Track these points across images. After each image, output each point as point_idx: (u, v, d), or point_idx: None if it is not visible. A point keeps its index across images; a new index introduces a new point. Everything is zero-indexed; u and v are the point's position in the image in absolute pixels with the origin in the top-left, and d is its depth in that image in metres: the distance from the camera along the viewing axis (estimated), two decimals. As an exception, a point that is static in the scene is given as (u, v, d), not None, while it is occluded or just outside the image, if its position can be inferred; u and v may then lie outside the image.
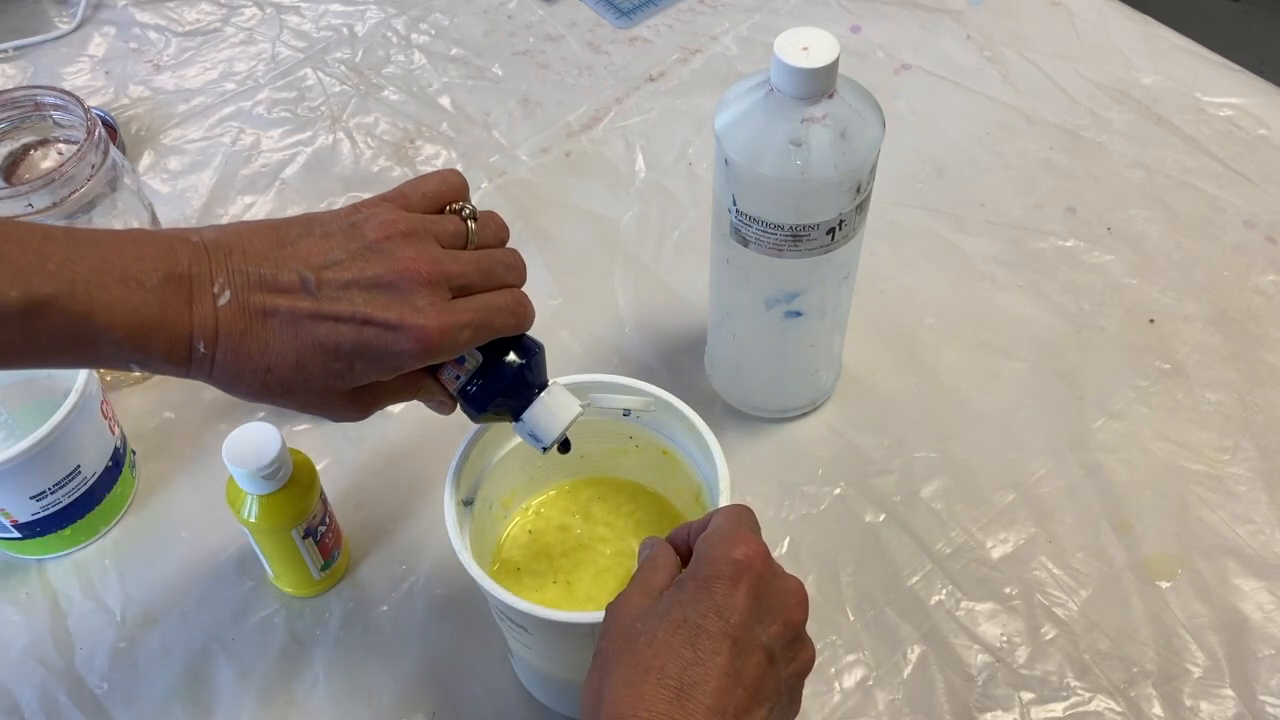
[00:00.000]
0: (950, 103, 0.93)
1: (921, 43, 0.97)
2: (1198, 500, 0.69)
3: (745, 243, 0.61)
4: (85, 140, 0.67)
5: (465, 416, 0.54)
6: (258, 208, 0.86)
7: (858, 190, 0.59)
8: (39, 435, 0.60)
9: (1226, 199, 0.85)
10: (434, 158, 0.90)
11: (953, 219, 0.85)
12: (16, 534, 0.65)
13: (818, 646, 0.63)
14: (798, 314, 0.65)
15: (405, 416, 0.73)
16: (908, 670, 0.63)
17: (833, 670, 0.63)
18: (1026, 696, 0.62)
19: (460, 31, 0.99)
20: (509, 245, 0.55)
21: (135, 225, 0.73)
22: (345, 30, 1.00)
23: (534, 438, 0.53)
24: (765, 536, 0.46)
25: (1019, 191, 0.86)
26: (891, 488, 0.70)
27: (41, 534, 0.66)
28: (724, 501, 0.54)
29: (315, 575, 0.65)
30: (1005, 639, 0.64)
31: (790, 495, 0.70)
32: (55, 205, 0.67)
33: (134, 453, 0.71)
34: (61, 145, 0.73)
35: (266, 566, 0.65)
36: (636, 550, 0.60)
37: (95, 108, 0.90)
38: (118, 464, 0.68)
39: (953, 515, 0.69)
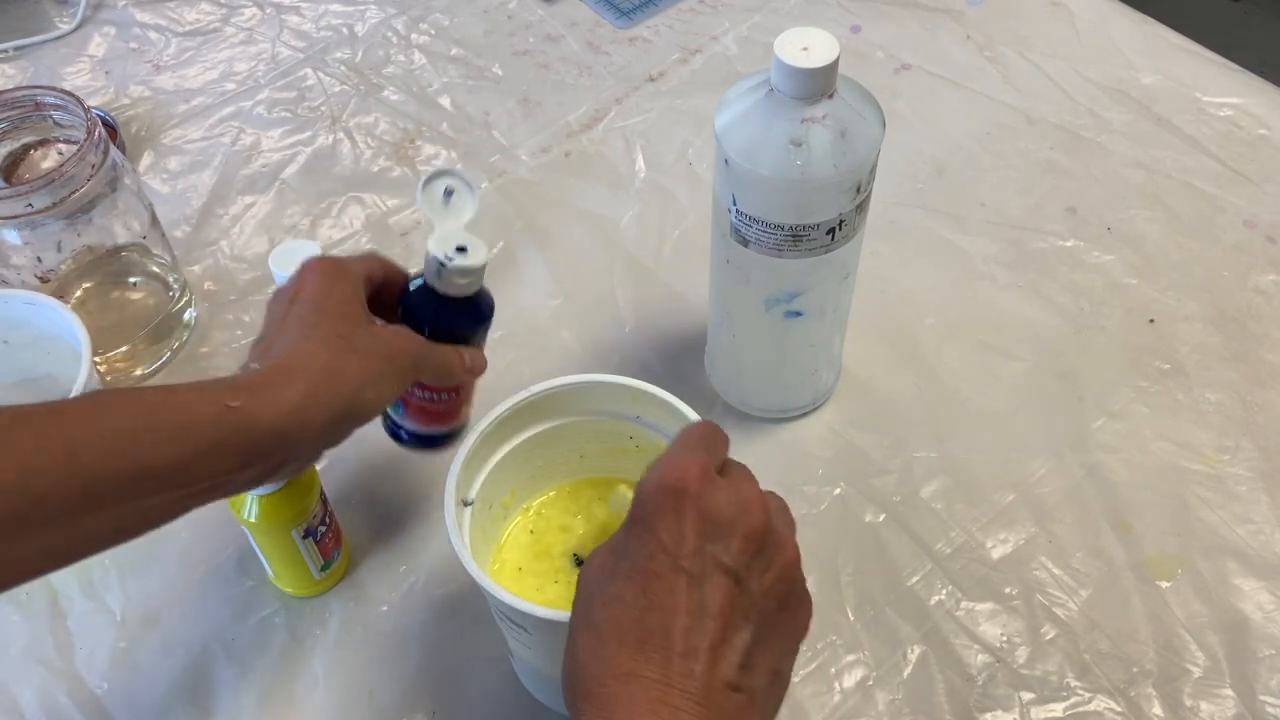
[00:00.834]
0: (950, 103, 0.93)
1: (921, 43, 0.97)
2: (1198, 500, 0.69)
3: (745, 243, 0.61)
4: (85, 140, 0.67)
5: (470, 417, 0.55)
6: (258, 208, 0.86)
7: (858, 190, 0.59)
8: (39, 435, 0.60)
9: (1226, 199, 0.85)
10: (434, 158, 0.90)
11: (953, 219, 0.85)
12: (16, 534, 0.65)
13: (818, 646, 0.64)
14: (798, 314, 0.65)
15: (405, 416, 0.73)
16: (908, 670, 0.63)
17: (833, 670, 0.63)
18: (1026, 696, 0.62)
19: (460, 31, 0.99)
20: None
21: (135, 225, 0.73)
22: (345, 30, 1.00)
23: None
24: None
25: (1019, 191, 0.86)
26: (891, 488, 0.70)
27: (41, 534, 0.65)
28: None
29: (315, 575, 0.65)
30: (1005, 639, 0.64)
31: (790, 495, 0.69)
32: (55, 205, 0.67)
33: (134, 453, 0.71)
34: (61, 145, 0.73)
35: (266, 566, 0.65)
36: None
37: (95, 108, 0.90)
38: (118, 464, 0.68)
39: (953, 515, 0.69)
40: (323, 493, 0.63)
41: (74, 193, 0.67)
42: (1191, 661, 0.63)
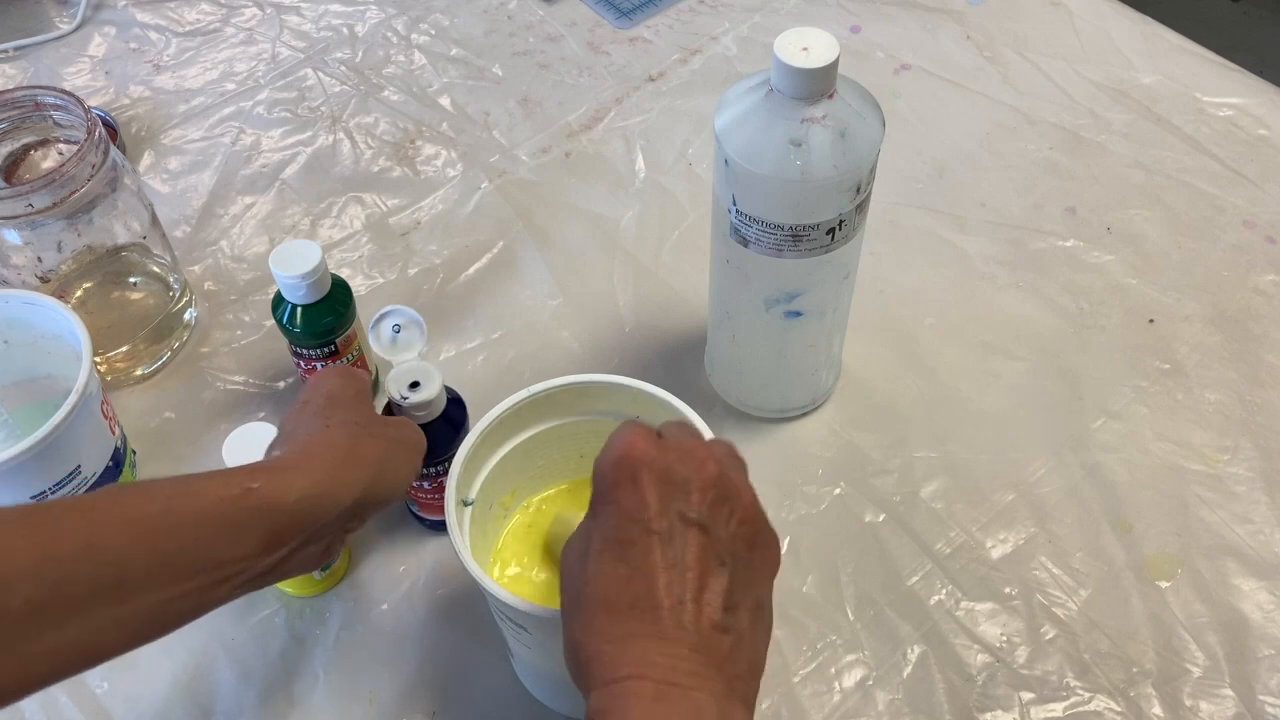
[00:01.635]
0: (950, 103, 0.93)
1: (921, 43, 0.97)
2: (1198, 500, 0.69)
3: (745, 243, 0.61)
4: (85, 140, 0.67)
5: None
6: (258, 208, 0.86)
7: (858, 190, 0.59)
8: (39, 435, 0.60)
9: (1226, 199, 0.85)
10: (434, 158, 0.90)
11: (953, 219, 0.85)
12: (17, 534, 0.65)
13: (818, 646, 0.64)
14: (798, 314, 0.65)
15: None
16: (908, 670, 0.63)
17: (833, 670, 0.63)
18: (1026, 696, 0.62)
19: (460, 31, 1.00)
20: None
21: (135, 225, 0.73)
22: (345, 30, 1.00)
23: None
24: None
25: (1019, 191, 0.86)
26: (891, 488, 0.70)
27: (42, 534, 0.65)
28: None
29: (315, 575, 0.65)
30: (1005, 639, 0.64)
31: (790, 495, 0.70)
32: (55, 205, 0.67)
33: (134, 453, 0.71)
34: (62, 145, 0.73)
35: (267, 566, 0.65)
36: None
37: (95, 108, 0.90)
38: (118, 464, 0.68)
39: (953, 515, 0.69)
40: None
41: (74, 193, 0.67)
42: (1191, 661, 0.63)
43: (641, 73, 0.96)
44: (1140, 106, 0.91)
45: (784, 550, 0.67)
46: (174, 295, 0.77)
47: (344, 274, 0.80)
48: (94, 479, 0.66)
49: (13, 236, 0.68)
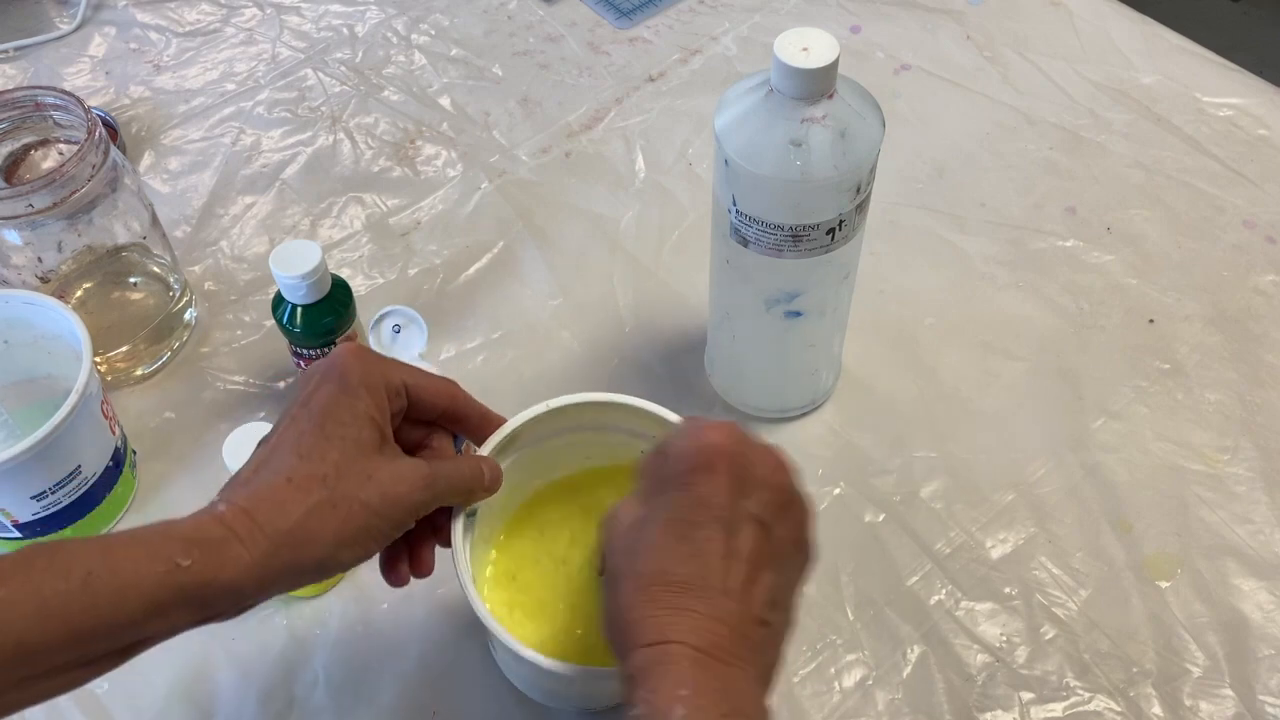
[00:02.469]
0: (950, 103, 0.93)
1: (921, 43, 0.97)
2: (1198, 500, 0.69)
3: (745, 243, 0.61)
4: (86, 140, 0.67)
5: None
6: (258, 208, 0.86)
7: (858, 190, 0.59)
8: (39, 435, 0.60)
9: (1226, 199, 0.85)
10: (434, 158, 0.90)
11: (953, 219, 0.85)
12: (17, 534, 0.65)
13: (817, 647, 0.64)
14: (798, 314, 0.65)
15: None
16: (907, 670, 0.63)
17: (832, 670, 0.63)
18: (1026, 696, 0.62)
19: (460, 32, 1.00)
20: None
21: (135, 225, 0.73)
22: (345, 30, 1.00)
23: None
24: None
25: (1019, 191, 0.86)
26: (891, 488, 0.70)
27: (42, 534, 0.66)
28: None
29: (315, 575, 0.65)
30: (1005, 639, 0.64)
31: (790, 495, 0.70)
32: (56, 205, 0.67)
33: (134, 453, 0.71)
34: (62, 145, 0.73)
35: (267, 566, 0.65)
36: None
37: (95, 108, 0.90)
38: (118, 464, 0.68)
39: (952, 515, 0.69)
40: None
41: (74, 193, 0.67)
42: (1191, 661, 0.63)
43: (641, 73, 0.96)
44: (1140, 106, 0.91)
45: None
46: (174, 295, 0.77)
47: (344, 274, 0.80)
48: (94, 479, 0.66)
49: (13, 236, 0.68)
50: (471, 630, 0.65)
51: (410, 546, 0.53)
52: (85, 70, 0.97)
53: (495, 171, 0.89)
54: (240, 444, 0.60)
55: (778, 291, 0.64)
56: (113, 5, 1.02)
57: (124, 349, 0.75)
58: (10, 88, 0.80)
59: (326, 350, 0.69)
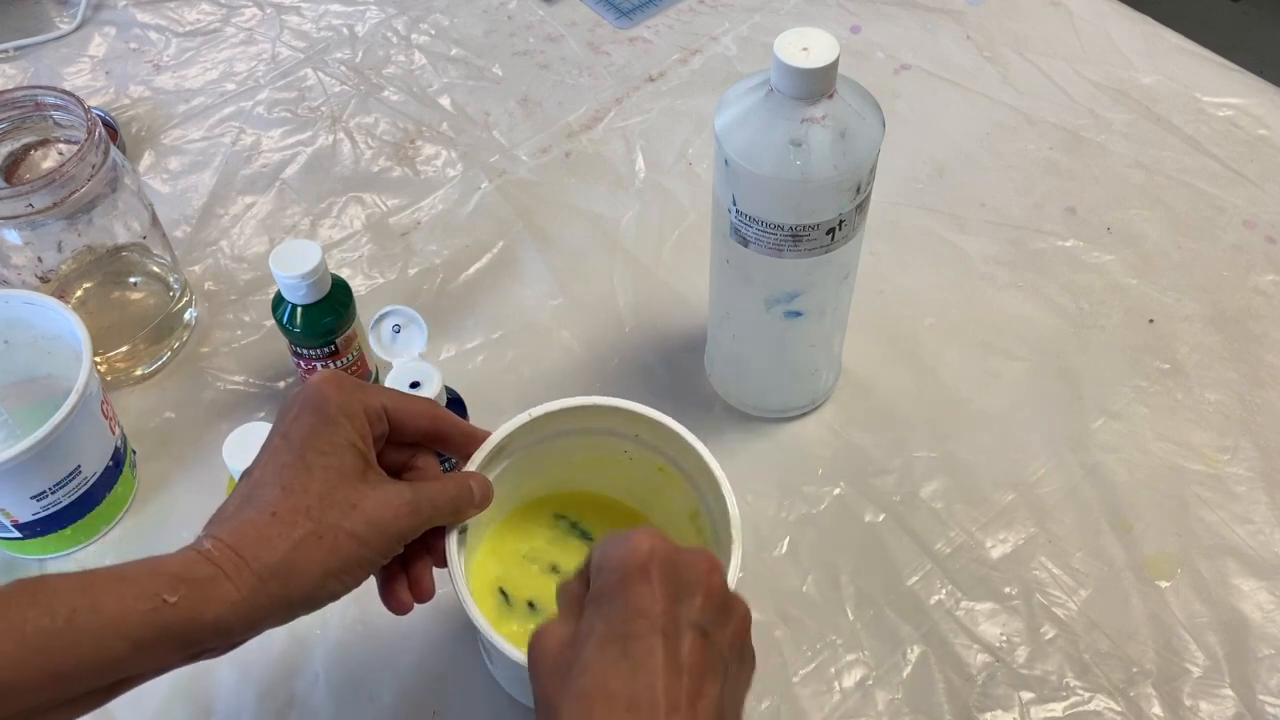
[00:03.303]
0: (950, 103, 0.93)
1: (921, 43, 0.97)
2: (1198, 500, 0.69)
3: (745, 243, 0.61)
4: (86, 140, 0.67)
5: None
6: (258, 208, 0.86)
7: (858, 190, 0.59)
8: (39, 435, 0.60)
9: (1226, 199, 0.85)
10: (434, 158, 0.90)
11: (953, 219, 0.85)
12: (17, 534, 0.65)
13: (817, 647, 0.64)
14: (798, 314, 0.65)
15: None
16: (907, 670, 0.63)
17: (833, 670, 0.63)
18: (1026, 696, 0.62)
19: (460, 31, 1.00)
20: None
21: (135, 225, 0.73)
22: (345, 30, 1.00)
23: None
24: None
25: (1019, 191, 0.86)
26: (891, 488, 0.70)
27: (42, 534, 0.66)
28: (735, 537, 0.54)
29: (315, 575, 0.65)
30: (1005, 639, 0.64)
31: (790, 495, 0.70)
32: (55, 205, 0.67)
33: (134, 452, 0.71)
34: (62, 145, 0.73)
35: (267, 566, 0.65)
36: None
37: (95, 108, 0.90)
38: (118, 464, 0.68)
39: (952, 515, 0.69)
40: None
41: (74, 193, 0.67)
42: (1191, 661, 0.63)
43: (641, 73, 0.96)
44: (1140, 106, 0.91)
45: (784, 551, 0.68)
46: (174, 295, 0.77)
47: (344, 274, 0.80)
48: (94, 479, 0.66)
49: (13, 236, 0.68)
50: (471, 630, 0.65)
51: (407, 570, 0.52)
52: (85, 70, 0.97)
53: (495, 171, 0.89)
54: (240, 444, 0.60)
55: (778, 291, 0.64)
56: (113, 5, 1.02)
57: (124, 349, 0.75)
58: (10, 88, 0.80)
59: (326, 350, 0.69)
